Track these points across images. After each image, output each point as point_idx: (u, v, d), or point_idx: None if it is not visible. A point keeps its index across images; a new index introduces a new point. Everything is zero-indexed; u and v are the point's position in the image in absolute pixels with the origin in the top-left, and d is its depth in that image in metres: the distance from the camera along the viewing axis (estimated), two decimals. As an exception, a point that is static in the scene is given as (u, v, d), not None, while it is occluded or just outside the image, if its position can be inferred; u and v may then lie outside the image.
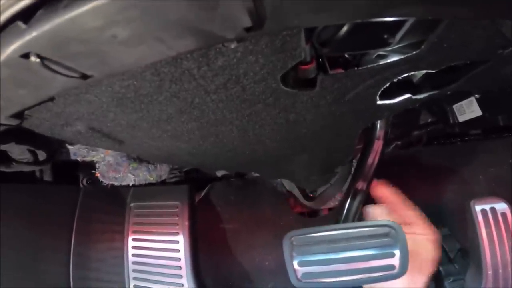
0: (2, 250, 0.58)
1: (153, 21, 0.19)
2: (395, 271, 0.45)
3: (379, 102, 0.43)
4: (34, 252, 0.62)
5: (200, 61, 0.28)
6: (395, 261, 0.45)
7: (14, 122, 0.33)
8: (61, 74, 0.22)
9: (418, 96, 0.44)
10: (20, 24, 0.19)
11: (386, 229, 0.46)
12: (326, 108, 0.41)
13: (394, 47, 0.35)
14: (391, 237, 0.46)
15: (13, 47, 0.20)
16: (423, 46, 0.33)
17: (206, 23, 0.20)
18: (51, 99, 0.30)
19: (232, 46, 0.24)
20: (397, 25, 0.34)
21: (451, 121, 0.76)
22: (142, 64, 0.23)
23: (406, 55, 0.34)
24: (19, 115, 0.33)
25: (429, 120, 0.81)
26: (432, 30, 0.31)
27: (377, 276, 0.46)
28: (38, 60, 0.21)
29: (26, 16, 0.19)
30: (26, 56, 0.21)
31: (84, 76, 0.23)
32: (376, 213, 0.55)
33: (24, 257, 0.61)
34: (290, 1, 0.20)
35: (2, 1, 0.18)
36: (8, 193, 0.61)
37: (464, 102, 0.72)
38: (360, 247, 0.47)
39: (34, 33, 0.19)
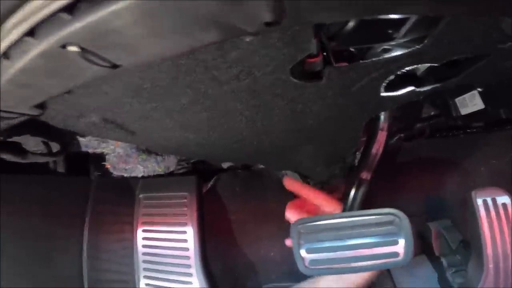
0: (17, 240, 0.60)
1: (185, 15, 0.21)
2: (399, 258, 0.46)
3: (383, 94, 0.44)
4: (48, 242, 0.64)
5: (215, 53, 0.30)
6: (399, 248, 0.47)
7: (36, 112, 0.35)
8: (94, 63, 0.23)
9: (422, 89, 0.45)
10: (64, 15, 0.20)
11: (390, 217, 0.48)
12: (332, 100, 0.42)
13: (398, 42, 0.36)
14: (395, 225, 0.47)
15: (56, 38, 0.21)
16: (425, 41, 0.34)
17: (231, 16, 0.21)
18: (69, 91, 0.31)
19: (247, 39, 0.26)
20: (401, 21, 0.35)
21: (454, 114, 0.77)
22: (168, 55, 0.25)
23: (409, 49, 0.35)
24: (42, 105, 0.34)
25: (432, 113, 0.82)
26: (434, 26, 0.32)
27: (381, 263, 0.47)
28: (78, 50, 0.22)
29: (70, 8, 0.20)
30: (64, 46, 0.22)
31: (114, 66, 0.25)
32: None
33: (38, 247, 0.63)
34: (308, 0, 0.21)
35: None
36: (23, 184, 0.63)
37: (466, 96, 0.72)
38: (365, 235, 0.48)
39: (78, 24, 0.20)
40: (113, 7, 0.19)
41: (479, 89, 0.69)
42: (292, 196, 0.83)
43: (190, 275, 0.68)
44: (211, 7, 0.20)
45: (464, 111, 0.74)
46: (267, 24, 0.22)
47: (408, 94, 0.45)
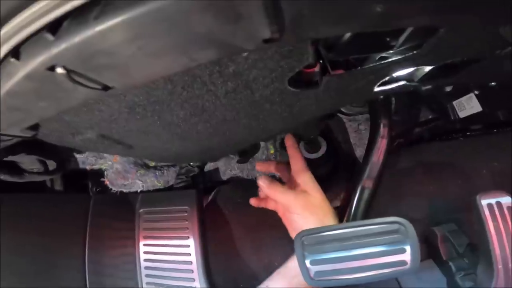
0: (18, 258, 0.59)
1: (180, 34, 0.20)
2: (407, 266, 0.46)
3: (375, 90, 0.44)
4: (50, 260, 0.63)
5: (211, 69, 0.29)
6: (406, 256, 0.46)
7: (29, 133, 0.34)
8: (84, 86, 0.22)
9: (413, 84, 0.45)
10: (48, 35, 0.19)
11: (395, 226, 0.47)
12: (328, 101, 0.43)
13: (396, 50, 0.36)
14: (400, 233, 0.47)
15: (40, 60, 0.20)
16: (423, 47, 0.34)
17: (228, 35, 0.20)
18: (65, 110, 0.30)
19: (244, 54, 0.25)
20: (399, 29, 0.34)
21: (452, 118, 0.77)
22: (163, 75, 0.24)
23: (407, 55, 0.35)
24: (35, 126, 0.33)
25: (430, 117, 0.82)
26: (433, 33, 0.32)
27: (389, 272, 0.46)
28: (64, 72, 0.21)
29: (53, 27, 0.19)
30: (52, 68, 0.21)
31: (106, 88, 0.24)
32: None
33: (41, 265, 0.62)
34: (308, 16, 0.20)
35: (28, 13, 0.18)
36: (22, 202, 0.62)
37: (463, 98, 0.73)
38: (371, 244, 0.47)
39: (62, 45, 0.19)
40: (101, 27, 0.18)
41: (476, 91, 0.69)
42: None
43: (194, 288, 0.67)
44: (209, 25, 0.19)
45: (462, 114, 0.74)
46: (266, 41, 0.21)
47: (399, 87, 0.45)
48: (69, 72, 0.21)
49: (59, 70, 0.21)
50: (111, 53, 0.20)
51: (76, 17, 0.19)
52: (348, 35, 0.34)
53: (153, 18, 0.18)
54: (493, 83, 0.58)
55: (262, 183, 0.59)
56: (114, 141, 0.47)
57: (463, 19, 0.28)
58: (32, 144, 0.50)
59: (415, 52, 0.34)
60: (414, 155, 0.77)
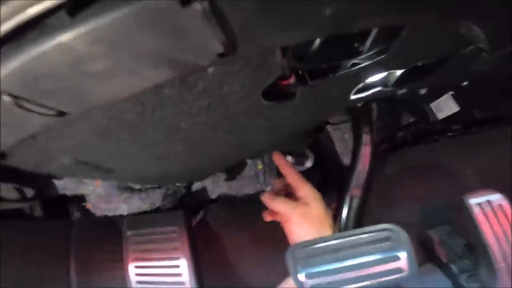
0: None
1: (122, 54, 0.19)
2: (404, 273, 0.45)
3: (352, 97, 0.44)
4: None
5: (180, 88, 0.28)
6: (402, 263, 0.45)
7: (-5, 163, 0.32)
8: (36, 112, 0.21)
9: (388, 89, 0.45)
10: None
11: (386, 233, 0.46)
12: (306, 110, 0.43)
13: (365, 55, 0.36)
14: (392, 240, 0.46)
15: None
16: (389, 50, 0.34)
17: (178, 52, 0.19)
18: (32, 136, 0.29)
19: (210, 70, 0.24)
20: (365, 34, 0.35)
21: (431, 119, 0.77)
22: (119, 97, 0.23)
23: (375, 59, 0.35)
24: (1, 155, 0.32)
25: (410, 120, 0.82)
26: (396, 36, 0.32)
27: (386, 280, 0.45)
28: (10, 99, 0.20)
29: None
30: None
31: (61, 113, 0.22)
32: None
33: None
34: (258, 24, 0.20)
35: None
36: (1, 231, 0.60)
37: (440, 100, 0.73)
38: (364, 254, 0.46)
39: (3, 71, 0.18)
40: (37, 50, 0.17)
41: (451, 92, 0.70)
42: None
43: (188, 309, 0.65)
44: (151, 43, 0.18)
45: (440, 115, 0.74)
46: (221, 55, 0.20)
47: (375, 94, 0.45)
48: (16, 98, 0.20)
49: (5, 97, 0.20)
50: (55, 77, 0.19)
51: (14, 40, 0.18)
52: (316, 44, 0.34)
53: (91, 39, 0.17)
54: (464, 83, 0.59)
55: (264, 197, 0.60)
56: (91, 165, 0.45)
57: (421, 18, 0.28)
58: (6, 171, 0.48)
59: (382, 56, 0.35)
60: (400, 159, 0.77)
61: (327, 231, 0.55)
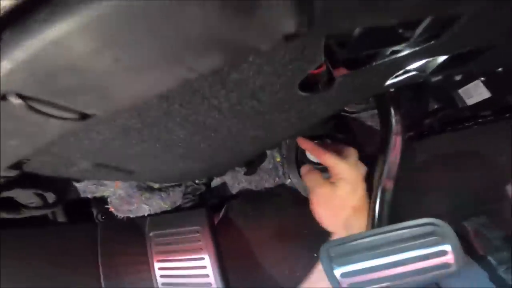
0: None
1: (169, 37, 0.14)
2: (452, 268, 0.43)
3: (387, 83, 0.40)
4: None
5: (211, 80, 0.25)
6: (449, 257, 0.43)
7: (13, 173, 0.30)
8: (55, 117, 0.18)
9: (424, 74, 0.41)
10: None
11: (429, 228, 0.44)
12: (339, 100, 0.40)
13: (411, 42, 0.33)
14: (437, 234, 0.43)
15: None
16: (442, 36, 0.30)
17: (239, 32, 0.15)
18: (50, 143, 0.26)
19: (250, 58, 0.20)
20: (416, 21, 0.31)
21: (460, 106, 0.73)
22: (155, 93, 0.19)
23: (423, 46, 0.32)
24: (18, 165, 0.30)
25: (437, 107, 0.78)
26: (453, 22, 0.28)
27: (432, 275, 0.44)
28: (20, 101, 0.16)
29: None
30: (3, 97, 0.16)
31: (84, 116, 0.19)
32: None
33: None
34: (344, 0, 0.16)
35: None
36: (27, 238, 0.60)
37: (470, 86, 0.69)
38: (406, 249, 0.44)
39: (7, 65, 0.14)
40: (54, 33, 0.12)
41: (481, 78, 0.66)
42: (305, 210, 0.79)
43: (215, 308, 0.64)
44: (210, 19, 0.14)
45: (470, 101, 0.70)
46: (288, 37, 0.16)
47: (410, 78, 0.41)
48: (27, 100, 0.16)
49: (13, 99, 0.16)
50: (79, 70, 0.15)
51: (20, 21, 0.13)
52: (358, 30, 0.30)
53: (123, 17, 0.13)
54: (500, 69, 0.55)
55: (302, 170, 0.59)
56: (112, 168, 0.43)
57: (486, 4, 0.24)
58: (26, 178, 0.47)
59: (432, 42, 0.31)
60: (428, 148, 0.73)
61: (350, 219, 0.52)
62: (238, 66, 0.23)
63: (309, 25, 0.16)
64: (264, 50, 0.17)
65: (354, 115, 0.76)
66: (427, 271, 0.43)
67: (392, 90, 0.53)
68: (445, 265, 0.43)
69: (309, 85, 0.34)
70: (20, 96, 0.16)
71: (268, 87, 0.28)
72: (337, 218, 0.53)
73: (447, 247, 0.43)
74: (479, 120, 0.73)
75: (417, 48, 0.31)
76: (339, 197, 0.52)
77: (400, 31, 0.31)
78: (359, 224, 0.52)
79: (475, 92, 0.67)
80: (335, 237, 0.55)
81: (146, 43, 0.14)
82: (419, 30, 0.29)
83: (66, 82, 0.16)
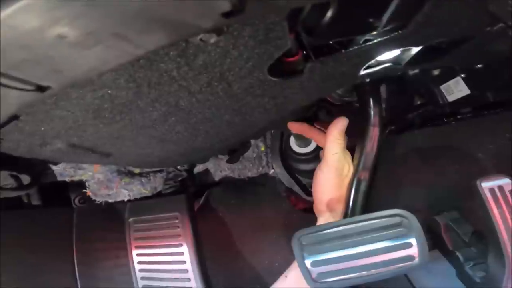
0: (7, 280, 0.56)
1: (107, 14, 0.16)
2: (416, 261, 0.43)
3: (361, 73, 0.42)
4: (40, 279, 0.61)
5: (178, 61, 0.25)
6: (413, 250, 0.43)
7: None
8: (10, 87, 0.18)
9: (398, 66, 0.42)
10: None
11: (397, 219, 0.44)
12: (313, 88, 0.40)
13: (379, 31, 0.33)
14: (404, 226, 0.44)
15: None
16: (409, 26, 0.31)
17: (176, 10, 0.16)
18: (16, 117, 0.26)
19: (212, 40, 0.21)
20: (382, 8, 0.31)
21: (441, 102, 0.74)
22: (107, 68, 0.20)
23: (391, 35, 0.32)
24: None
25: (419, 102, 0.80)
26: (418, 10, 0.29)
27: (397, 268, 0.44)
28: None
29: None
30: None
31: (41, 88, 0.20)
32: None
33: (30, 284, 0.59)
34: None
35: None
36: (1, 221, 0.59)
37: (451, 82, 0.70)
38: (374, 240, 0.45)
39: None
40: (5, 12, 0.14)
41: (462, 74, 0.67)
42: (289, 203, 0.80)
43: (192, 295, 0.65)
44: (150, 1, 0.15)
45: (451, 98, 0.72)
46: (226, 14, 0.17)
47: (384, 71, 0.42)
48: None
49: None
50: (28, 46, 0.16)
51: None
52: (328, 16, 0.31)
53: None
54: (479, 65, 0.56)
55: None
56: (87, 149, 0.43)
57: None
58: (1, 158, 0.46)
59: (399, 32, 0.32)
60: (407, 142, 0.75)
61: (335, 201, 0.54)
62: (203, 48, 0.23)
63: (242, 2, 0.16)
64: (207, 27, 0.18)
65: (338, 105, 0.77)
66: (392, 263, 0.44)
67: (370, 81, 0.54)
68: (409, 258, 0.43)
69: (285, 72, 0.34)
70: None
71: (237, 70, 0.28)
72: (323, 197, 0.54)
73: (412, 240, 0.43)
74: (459, 117, 0.75)
75: (385, 38, 0.32)
76: (326, 179, 0.54)
77: (369, 20, 0.32)
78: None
79: (456, 89, 0.69)
80: (320, 219, 0.56)
81: (86, 21, 0.15)
82: (385, 18, 0.30)
83: (17, 56, 0.17)
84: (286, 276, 0.55)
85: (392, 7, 0.28)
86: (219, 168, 0.75)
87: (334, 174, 0.54)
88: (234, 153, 0.72)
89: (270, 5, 0.19)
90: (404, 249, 0.44)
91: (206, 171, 0.77)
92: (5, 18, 0.15)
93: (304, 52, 0.34)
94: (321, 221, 0.56)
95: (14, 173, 0.52)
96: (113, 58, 0.19)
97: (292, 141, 0.71)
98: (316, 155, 0.72)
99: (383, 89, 0.61)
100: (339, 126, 0.53)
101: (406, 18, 0.30)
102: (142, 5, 0.15)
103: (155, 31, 0.17)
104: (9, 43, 0.16)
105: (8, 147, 0.39)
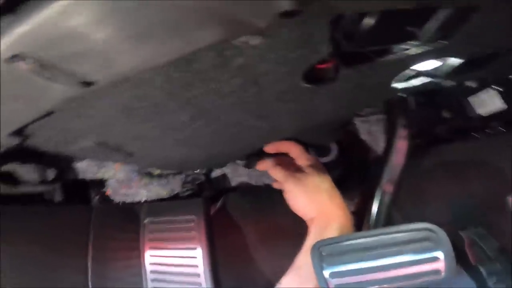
0: (18, 276, 0.57)
1: (165, 8, 0.15)
2: (442, 275, 0.42)
3: (398, 86, 0.40)
4: (51, 276, 0.60)
5: (215, 62, 0.25)
6: (440, 265, 0.42)
7: (14, 141, 0.30)
8: (57, 81, 0.19)
9: (436, 80, 0.41)
10: (4, 18, 0.15)
11: (425, 233, 0.43)
12: (344, 97, 0.40)
13: (421, 40, 0.32)
14: (431, 240, 0.43)
15: None
16: (453, 37, 0.30)
17: (233, 7, 0.16)
18: (51, 113, 0.27)
19: (255, 42, 0.21)
20: (427, 17, 0.31)
21: (471, 115, 0.72)
22: (155, 64, 0.20)
23: (434, 45, 0.31)
24: (19, 132, 0.30)
25: (447, 115, 0.77)
26: (465, 21, 0.28)
27: (421, 282, 0.42)
28: (29, 64, 0.17)
29: (8, 8, 0.15)
30: (13, 59, 0.17)
31: (87, 83, 0.20)
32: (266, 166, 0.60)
33: (41, 282, 0.59)
34: None
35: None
36: (18, 215, 0.60)
37: (482, 94, 0.68)
38: (398, 253, 0.43)
39: (21, 29, 0.15)
40: (61, 3, 0.14)
41: (498, 88, 0.65)
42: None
43: (202, 301, 0.64)
44: None
45: (481, 111, 0.69)
46: (284, 14, 0.16)
47: (422, 85, 0.41)
48: (35, 64, 0.17)
49: (22, 62, 0.17)
50: (82, 37, 0.16)
51: None
52: (368, 23, 0.30)
53: None
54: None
55: (265, 163, 0.60)
56: (112, 148, 0.44)
57: (502, 3, 0.24)
58: (28, 153, 0.47)
59: (442, 42, 0.31)
60: (434, 155, 0.73)
61: (326, 203, 0.53)
62: (242, 50, 0.23)
63: (306, 2, 0.16)
64: (261, 27, 0.17)
65: (362, 118, 0.76)
66: (416, 277, 0.42)
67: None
68: (435, 272, 0.42)
69: (315, 79, 0.34)
70: (28, 59, 0.17)
71: (271, 74, 0.28)
72: (313, 202, 0.53)
73: (440, 254, 0.42)
74: (488, 131, 0.73)
75: (426, 48, 0.31)
76: (312, 181, 0.53)
77: (410, 29, 0.31)
78: (337, 212, 0.52)
79: (488, 102, 0.67)
80: (312, 226, 0.55)
81: (145, 14, 0.15)
82: (428, 28, 0.29)
83: (70, 48, 0.17)
84: (280, 283, 0.55)
85: (438, 17, 0.28)
86: (236, 174, 0.75)
87: (320, 175, 0.55)
88: (252, 157, 0.72)
89: (329, 7, 0.19)
90: (430, 263, 0.42)
91: (223, 175, 0.77)
92: (61, 10, 0.15)
93: (340, 59, 0.33)
94: (310, 234, 0.54)
95: (40, 168, 0.53)
96: (162, 55, 0.19)
97: (311, 150, 0.71)
98: (337, 164, 0.71)
99: (411, 100, 0.60)
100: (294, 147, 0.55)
101: (451, 28, 0.29)
102: (204, 1, 0.15)
103: (209, 28, 0.17)
104: (64, 35, 0.16)
105: (38, 142, 0.40)
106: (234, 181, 0.76)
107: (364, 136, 0.78)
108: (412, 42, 0.32)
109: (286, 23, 0.20)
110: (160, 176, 0.65)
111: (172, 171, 0.66)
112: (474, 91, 0.67)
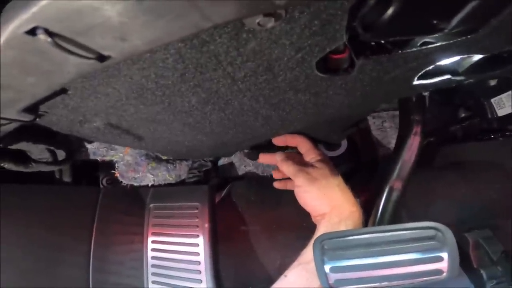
0: (20, 254, 0.57)
1: None
2: (444, 275, 0.41)
3: (415, 83, 0.39)
4: (53, 256, 0.61)
5: (229, 45, 0.25)
6: (443, 265, 0.42)
7: (27, 117, 0.31)
8: (75, 54, 0.19)
9: (458, 78, 0.39)
10: None
11: (431, 232, 0.42)
12: (359, 91, 0.38)
13: (445, 33, 0.31)
14: (437, 240, 0.42)
15: (17, 21, 0.16)
16: (481, 30, 0.28)
17: None
18: (65, 91, 0.27)
19: (269, 25, 0.20)
20: (455, 8, 0.29)
21: (489, 116, 0.70)
22: (170, 39, 0.20)
23: (459, 39, 0.30)
24: (33, 109, 0.30)
25: (464, 115, 0.75)
26: (495, 14, 0.27)
27: (421, 281, 0.42)
28: (47, 36, 0.17)
29: None
30: (32, 32, 0.17)
31: (101, 57, 0.20)
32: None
33: (42, 261, 0.60)
34: None
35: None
36: (25, 194, 0.60)
37: (503, 96, 0.66)
38: (402, 251, 0.43)
39: (42, 2, 0.16)
40: None
41: None
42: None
43: (201, 290, 0.64)
44: None
45: (501, 112, 0.67)
46: None
47: (442, 82, 0.40)
48: (53, 36, 0.17)
49: (41, 34, 0.17)
50: (98, 11, 0.16)
51: None
52: (389, 13, 0.29)
53: None
54: None
55: (276, 157, 0.59)
56: (123, 131, 0.44)
57: None
58: (40, 132, 0.48)
59: (469, 36, 0.29)
60: (446, 155, 0.71)
61: (339, 198, 0.52)
62: (256, 34, 0.23)
63: None
64: (280, 5, 0.17)
65: (374, 114, 0.75)
66: (418, 275, 0.42)
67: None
68: (437, 272, 0.41)
69: (330, 70, 0.33)
70: (46, 31, 0.17)
71: (285, 60, 0.27)
72: (326, 197, 0.53)
73: (444, 254, 0.41)
74: (507, 133, 0.70)
75: (450, 41, 0.30)
76: (323, 177, 0.53)
77: (434, 21, 0.30)
78: (350, 208, 0.51)
79: (508, 103, 0.64)
80: (323, 221, 0.54)
81: None
82: (455, 21, 0.28)
83: (87, 21, 0.17)
84: (286, 276, 0.54)
85: (467, 9, 0.26)
86: (243, 163, 0.75)
87: (331, 169, 0.54)
88: (256, 149, 0.71)
89: None
90: (434, 262, 0.42)
91: (231, 164, 0.77)
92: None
93: (356, 49, 0.32)
94: (321, 229, 0.53)
95: (51, 148, 0.53)
96: (178, 29, 0.18)
97: (320, 145, 0.70)
98: (346, 159, 0.71)
99: (426, 97, 0.58)
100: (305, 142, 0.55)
101: (480, 22, 0.27)
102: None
103: (228, 2, 0.17)
104: (80, 9, 0.16)
105: (50, 121, 0.40)
106: (241, 170, 0.76)
107: (375, 131, 0.77)
108: (436, 35, 0.31)
109: (304, 7, 0.19)
110: (167, 161, 0.65)
111: (179, 158, 0.67)
112: (497, 92, 0.65)
